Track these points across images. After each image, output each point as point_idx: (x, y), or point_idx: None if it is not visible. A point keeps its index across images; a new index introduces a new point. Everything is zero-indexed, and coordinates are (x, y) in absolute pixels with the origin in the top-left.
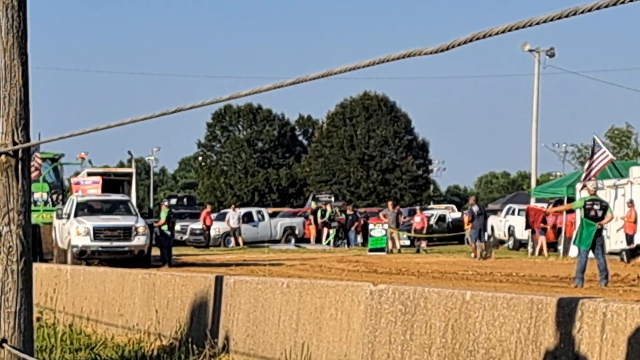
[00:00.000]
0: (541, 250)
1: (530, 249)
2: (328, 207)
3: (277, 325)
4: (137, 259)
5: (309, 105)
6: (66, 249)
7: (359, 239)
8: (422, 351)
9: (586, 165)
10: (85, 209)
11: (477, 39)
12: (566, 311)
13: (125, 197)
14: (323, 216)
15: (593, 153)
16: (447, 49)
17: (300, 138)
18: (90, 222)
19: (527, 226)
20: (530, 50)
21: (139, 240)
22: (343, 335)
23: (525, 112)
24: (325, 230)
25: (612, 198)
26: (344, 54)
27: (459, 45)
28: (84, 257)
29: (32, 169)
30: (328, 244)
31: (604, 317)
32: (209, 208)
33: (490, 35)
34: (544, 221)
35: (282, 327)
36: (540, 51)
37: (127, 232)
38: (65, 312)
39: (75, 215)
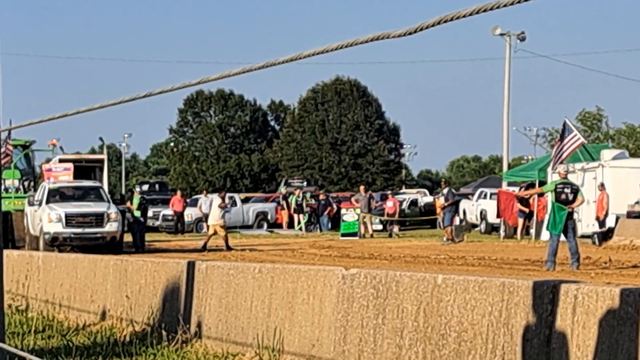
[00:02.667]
0: (522, 232)
1: (502, 233)
2: (297, 192)
3: (249, 310)
4: (110, 246)
5: (280, 91)
6: (38, 235)
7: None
8: (394, 335)
9: (555, 148)
10: (57, 195)
11: (445, 21)
12: (538, 294)
13: (97, 184)
14: (296, 201)
15: (562, 136)
16: (415, 32)
17: (272, 123)
18: (62, 209)
19: (499, 214)
20: (501, 34)
21: (111, 227)
22: (315, 319)
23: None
24: (296, 215)
25: (584, 181)
26: (314, 39)
27: (426, 28)
28: (56, 243)
29: (3, 155)
30: (300, 229)
31: (575, 299)
32: (178, 194)
33: (457, 18)
34: (527, 204)
35: (254, 312)
36: (511, 35)
37: (99, 219)
38: (38, 298)
39: (47, 202)
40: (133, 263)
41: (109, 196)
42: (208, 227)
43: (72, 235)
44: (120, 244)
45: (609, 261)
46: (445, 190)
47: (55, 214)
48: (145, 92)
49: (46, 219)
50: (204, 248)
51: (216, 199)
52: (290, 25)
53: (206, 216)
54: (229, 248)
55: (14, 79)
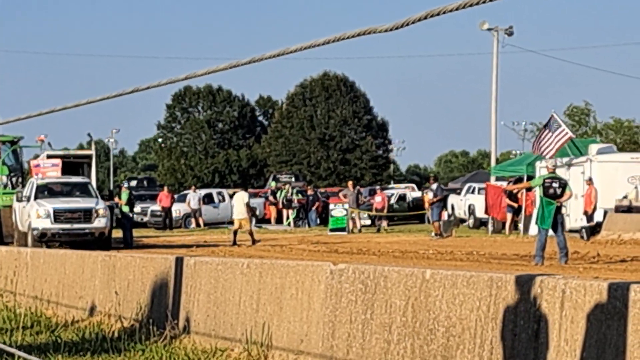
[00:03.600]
0: (511, 227)
1: (490, 228)
2: (285, 187)
3: (237, 305)
4: (98, 241)
5: (268, 86)
6: (26, 231)
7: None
8: (382, 330)
9: (543, 139)
10: (46, 191)
11: (432, 16)
12: (526, 289)
13: (86, 180)
14: (284, 197)
15: (545, 126)
16: (402, 26)
17: (261, 119)
18: (50, 205)
19: (487, 210)
20: (489, 29)
21: (100, 223)
22: (304, 315)
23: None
24: (284, 211)
25: (571, 176)
26: (301, 34)
27: (413, 22)
28: (44, 239)
29: None
30: (289, 224)
31: (563, 294)
32: (165, 190)
33: (444, 13)
34: (515, 199)
35: (242, 307)
36: (499, 30)
37: (87, 215)
38: (26, 294)
39: (36, 198)
40: (121, 259)
41: (97, 192)
42: (233, 221)
43: (61, 231)
44: (108, 239)
45: (597, 256)
46: (433, 186)
47: (44, 210)
48: (132, 88)
49: (34, 214)
50: (234, 243)
51: (243, 194)
52: (277, 20)
53: (194, 212)
54: (254, 241)
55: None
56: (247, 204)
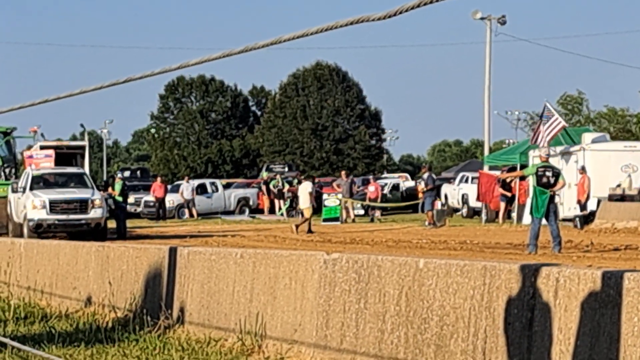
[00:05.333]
0: (504, 216)
1: (484, 217)
2: (277, 177)
3: (231, 295)
4: (94, 232)
5: (261, 76)
6: (22, 222)
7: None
8: (376, 319)
9: (540, 131)
10: (41, 182)
11: (425, 4)
12: (519, 277)
13: (81, 170)
14: (275, 186)
15: (542, 117)
16: (395, 14)
17: (254, 109)
18: (46, 195)
19: (479, 197)
20: (482, 18)
21: (96, 213)
22: (297, 304)
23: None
24: (277, 201)
25: (565, 165)
26: (294, 23)
27: (406, 11)
28: (40, 230)
29: None
30: (282, 214)
31: (557, 282)
32: (158, 180)
33: (437, 1)
34: (508, 189)
35: (236, 297)
36: (492, 19)
37: (83, 205)
38: (19, 285)
39: (31, 189)
40: (115, 249)
41: (93, 182)
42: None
43: (57, 222)
44: (104, 230)
45: (590, 244)
46: (425, 175)
47: (40, 201)
48: (125, 78)
49: (30, 205)
50: (309, 231)
51: (307, 183)
52: (269, 9)
53: (187, 202)
54: (310, 231)
55: None
56: (310, 194)
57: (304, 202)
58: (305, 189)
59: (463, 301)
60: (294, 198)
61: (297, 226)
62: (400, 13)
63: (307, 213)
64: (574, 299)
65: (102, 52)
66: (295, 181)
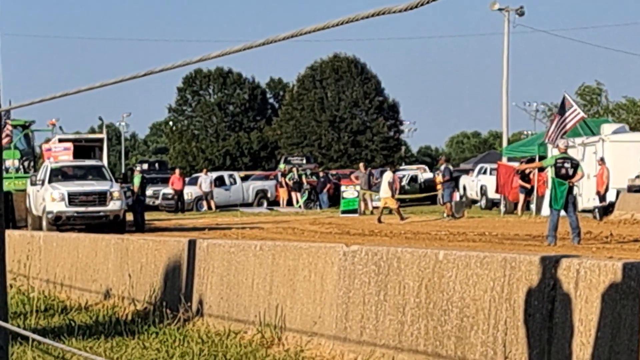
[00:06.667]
0: (523, 207)
1: (503, 208)
2: (294, 169)
3: (250, 288)
4: (113, 224)
5: (279, 68)
6: (41, 215)
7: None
8: (396, 311)
9: (555, 121)
10: (60, 175)
11: None
12: (540, 269)
13: (100, 163)
14: (291, 179)
15: (562, 109)
16: (417, 6)
17: (271, 101)
18: (65, 188)
19: (498, 189)
20: (500, 9)
21: (114, 205)
22: (317, 296)
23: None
24: (294, 193)
25: (584, 156)
26: (313, 16)
27: (427, 2)
28: (59, 222)
29: (3, 135)
30: (300, 206)
31: (577, 274)
32: (177, 172)
33: None
34: (528, 180)
35: (255, 289)
36: (510, 10)
37: (102, 197)
38: (39, 278)
39: (50, 182)
40: (134, 242)
41: (111, 175)
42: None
43: (76, 214)
44: (123, 222)
45: (610, 235)
46: (442, 167)
47: (58, 193)
48: (145, 71)
49: (49, 198)
50: (379, 221)
51: (388, 173)
52: (290, 1)
53: (206, 194)
54: (402, 218)
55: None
56: (390, 183)
57: (385, 192)
58: (386, 179)
59: (483, 293)
60: (312, 190)
61: (379, 218)
62: (422, 5)
63: (391, 203)
64: (594, 290)
65: (120, 45)
66: (309, 172)
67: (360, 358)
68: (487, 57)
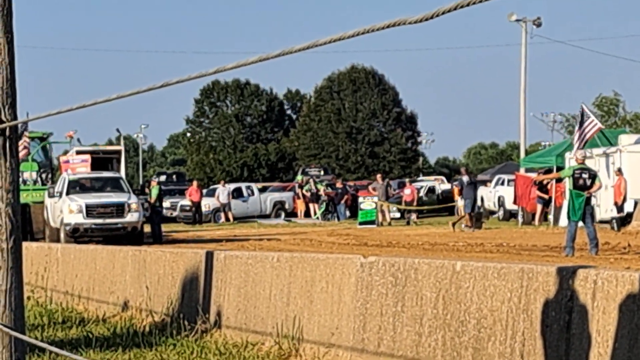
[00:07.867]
0: (540, 218)
1: (520, 219)
2: (311, 181)
3: (268, 299)
4: (130, 236)
5: (296, 80)
6: (59, 227)
7: (347, 212)
8: (413, 322)
9: (576, 135)
10: (77, 187)
11: (461, 7)
12: (557, 280)
13: (117, 174)
14: (308, 190)
15: (582, 121)
16: (432, 17)
17: (289, 112)
18: (82, 200)
19: (516, 200)
20: (517, 20)
21: (132, 217)
22: (334, 308)
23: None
24: (311, 204)
25: (601, 167)
26: (329, 27)
27: (443, 13)
28: (76, 234)
29: (21, 147)
30: (317, 218)
31: (594, 284)
32: (195, 184)
33: (474, 3)
34: (545, 191)
35: (273, 301)
36: (527, 21)
37: (120, 209)
38: (57, 290)
39: (67, 194)
40: (151, 254)
41: (129, 187)
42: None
43: (93, 226)
44: (141, 234)
45: (628, 246)
46: (464, 178)
47: (76, 205)
48: (162, 82)
49: (67, 210)
50: (453, 225)
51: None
52: (306, 13)
53: (223, 206)
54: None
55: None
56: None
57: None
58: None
59: (500, 304)
60: (329, 202)
61: (453, 223)
62: (437, 16)
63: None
64: (612, 301)
65: (137, 57)
66: (326, 184)
67: None
68: (505, 68)
